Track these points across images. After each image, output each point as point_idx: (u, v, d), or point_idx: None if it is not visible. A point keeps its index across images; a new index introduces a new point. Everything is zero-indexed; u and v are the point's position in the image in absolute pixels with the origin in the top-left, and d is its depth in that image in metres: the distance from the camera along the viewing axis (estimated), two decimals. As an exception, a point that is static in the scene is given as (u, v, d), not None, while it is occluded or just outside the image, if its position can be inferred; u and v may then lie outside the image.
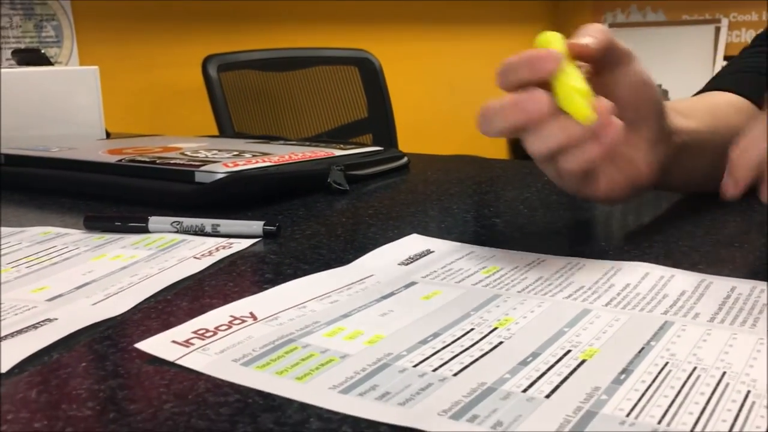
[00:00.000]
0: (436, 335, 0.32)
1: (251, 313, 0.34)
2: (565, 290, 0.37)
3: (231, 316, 0.34)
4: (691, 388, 0.26)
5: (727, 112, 0.55)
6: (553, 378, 0.27)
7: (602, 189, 0.45)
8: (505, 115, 0.39)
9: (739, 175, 0.37)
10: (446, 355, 0.30)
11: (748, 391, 0.26)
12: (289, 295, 0.37)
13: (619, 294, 0.36)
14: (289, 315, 0.34)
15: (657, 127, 0.46)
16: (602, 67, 0.44)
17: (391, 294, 0.37)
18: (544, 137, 0.39)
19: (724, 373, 0.27)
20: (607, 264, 0.40)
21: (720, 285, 0.37)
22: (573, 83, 0.38)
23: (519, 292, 0.37)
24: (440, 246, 0.45)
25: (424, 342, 0.31)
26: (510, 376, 0.27)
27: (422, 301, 0.36)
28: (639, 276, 0.38)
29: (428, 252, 0.44)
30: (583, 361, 0.29)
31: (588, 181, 0.45)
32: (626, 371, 0.28)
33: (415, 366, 0.29)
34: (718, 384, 0.26)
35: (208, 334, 0.32)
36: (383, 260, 0.43)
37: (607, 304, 0.35)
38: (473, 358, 0.29)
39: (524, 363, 0.29)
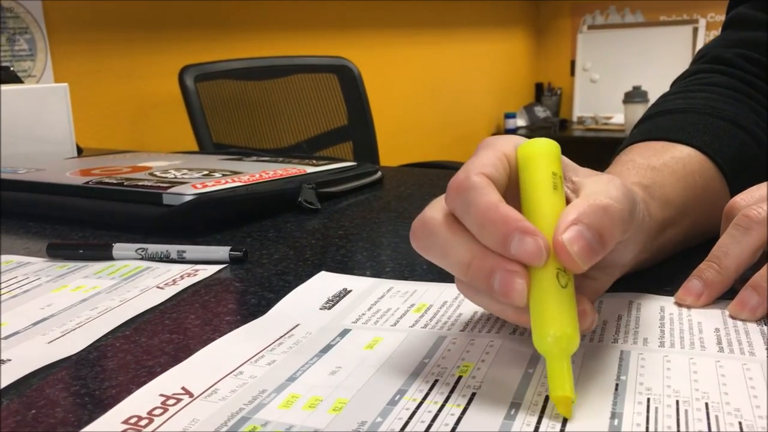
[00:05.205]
0: (402, 392, 0.29)
1: (184, 389, 0.30)
2: (507, 325, 0.35)
3: (162, 395, 0.30)
4: (687, 427, 0.26)
5: (698, 187, 0.46)
6: None
7: None
8: (469, 279, 0.31)
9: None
10: (426, 416, 0.27)
11: (740, 423, 0.26)
12: (218, 359, 0.33)
13: None
14: (228, 385, 0.30)
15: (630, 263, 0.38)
16: None
17: (329, 346, 0.34)
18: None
19: (707, 404, 0.27)
20: None
21: (649, 304, 0.37)
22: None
23: (461, 331, 0.35)
24: (355, 283, 0.43)
25: (393, 403, 0.28)
26: None
27: (366, 351, 0.33)
28: None
29: (345, 292, 0.41)
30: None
31: None
32: (616, 415, 0.27)
33: None
34: (708, 419, 0.26)
35: (142, 423, 0.27)
36: (302, 306, 0.40)
37: None
38: (455, 418, 0.27)
39: (510, 417, 0.27)
